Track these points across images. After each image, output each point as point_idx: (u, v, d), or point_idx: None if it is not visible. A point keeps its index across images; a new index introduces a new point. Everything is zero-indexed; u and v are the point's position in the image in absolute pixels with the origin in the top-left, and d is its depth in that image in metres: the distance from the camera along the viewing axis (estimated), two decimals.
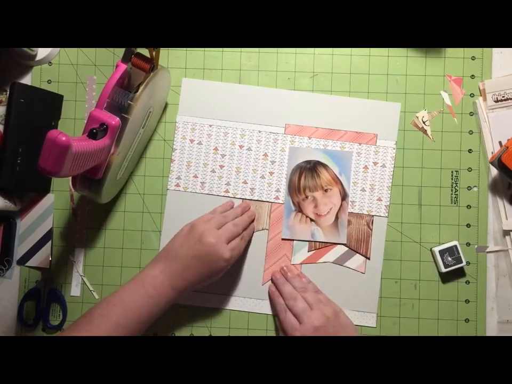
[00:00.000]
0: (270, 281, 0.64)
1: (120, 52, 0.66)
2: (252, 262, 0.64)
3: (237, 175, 0.65)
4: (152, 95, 0.58)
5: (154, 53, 0.55)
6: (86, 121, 0.54)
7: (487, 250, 0.64)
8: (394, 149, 0.65)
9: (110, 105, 0.54)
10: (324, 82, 0.66)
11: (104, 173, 0.56)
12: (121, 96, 0.54)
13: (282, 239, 0.64)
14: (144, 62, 0.55)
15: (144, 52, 0.55)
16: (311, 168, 0.65)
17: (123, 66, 0.55)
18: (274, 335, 0.64)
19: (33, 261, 0.65)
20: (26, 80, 0.66)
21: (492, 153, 0.63)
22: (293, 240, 0.64)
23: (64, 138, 0.46)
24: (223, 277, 0.62)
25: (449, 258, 0.62)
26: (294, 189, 0.65)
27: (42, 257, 0.65)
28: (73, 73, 0.66)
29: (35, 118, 0.63)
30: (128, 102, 0.54)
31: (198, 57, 0.66)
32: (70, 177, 0.60)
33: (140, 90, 0.55)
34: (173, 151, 0.66)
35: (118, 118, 0.54)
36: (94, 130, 0.52)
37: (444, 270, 0.62)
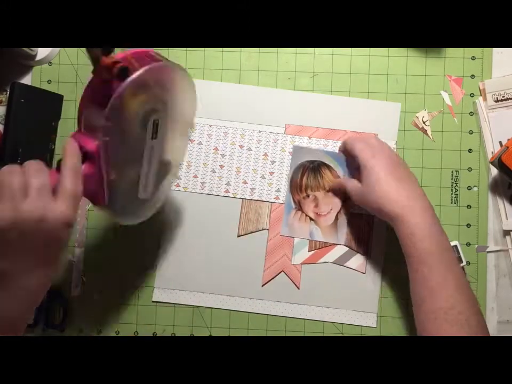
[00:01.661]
0: (270, 281, 0.64)
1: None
2: (252, 262, 0.64)
3: (237, 175, 0.65)
4: (148, 95, 0.48)
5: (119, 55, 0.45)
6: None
7: (487, 250, 0.64)
8: (394, 148, 0.65)
9: (87, 126, 0.46)
10: (323, 82, 0.66)
11: (110, 198, 0.49)
12: (93, 117, 0.45)
13: (281, 235, 0.64)
14: (107, 67, 0.43)
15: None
16: (315, 168, 0.64)
17: (94, 79, 0.46)
18: (275, 335, 0.64)
19: None
20: (26, 80, 0.66)
21: (492, 153, 0.63)
22: (291, 237, 0.64)
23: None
24: (223, 277, 0.62)
25: None
26: (296, 187, 0.65)
27: None
28: (73, 73, 0.66)
29: (35, 118, 0.63)
30: (103, 123, 0.44)
31: (198, 57, 0.66)
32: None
33: (109, 105, 0.43)
34: None
35: (96, 142, 0.44)
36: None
37: None
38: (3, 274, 0.42)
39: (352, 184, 0.59)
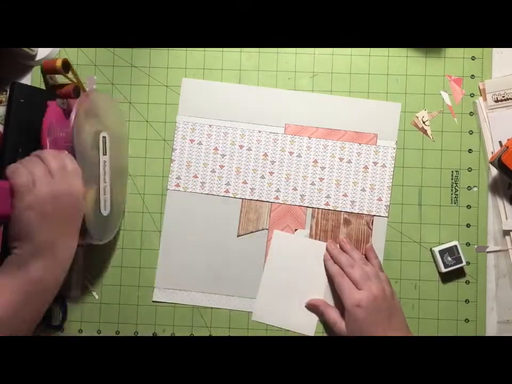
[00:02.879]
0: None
1: (120, 51, 0.66)
2: (252, 262, 0.64)
3: (237, 175, 0.65)
4: (95, 119, 0.58)
5: (70, 76, 0.56)
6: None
7: (487, 250, 0.64)
8: (394, 148, 0.65)
9: (54, 142, 0.55)
10: (323, 82, 0.66)
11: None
12: (58, 130, 0.56)
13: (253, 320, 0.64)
14: (65, 88, 0.56)
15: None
16: None
17: (51, 103, 0.56)
18: (275, 335, 0.64)
19: None
20: (26, 80, 0.66)
21: (492, 153, 0.63)
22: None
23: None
24: (223, 277, 0.62)
25: (449, 258, 0.62)
26: None
27: None
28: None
29: (35, 118, 0.63)
30: (65, 130, 0.55)
31: (198, 57, 0.66)
32: None
33: (72, 115, 0.55)
34: (173, 151, 0.66)
35: (65, 151, 0.54)
36: None
37: (443, 270, 0.62)
38: (50, 244, 0.49)
39: (334, 321, 0.60)
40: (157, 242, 0.65)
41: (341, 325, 0.59)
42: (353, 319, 0.57)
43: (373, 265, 0.61)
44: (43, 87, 0.66)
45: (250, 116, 0.66)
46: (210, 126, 0.66)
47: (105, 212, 0.60)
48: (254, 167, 0.65)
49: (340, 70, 0.66)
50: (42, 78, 0.55)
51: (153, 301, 0.65)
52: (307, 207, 0.65)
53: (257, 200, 0.65)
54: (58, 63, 0.54)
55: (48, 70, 0.55)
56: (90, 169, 0.57)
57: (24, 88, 0.62)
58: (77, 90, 0.56)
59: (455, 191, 0.64)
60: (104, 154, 0.60)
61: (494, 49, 0.65)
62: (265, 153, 0.65)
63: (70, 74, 0.56)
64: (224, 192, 0.65)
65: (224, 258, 0.64)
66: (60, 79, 0.60)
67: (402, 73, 0.65)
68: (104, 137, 0.60)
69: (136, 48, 0.66)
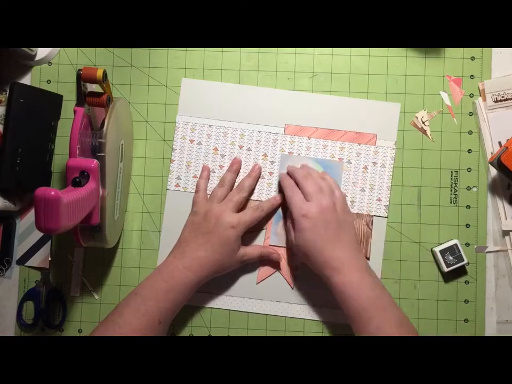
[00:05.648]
0: (263, 280, 0.64)
1: (120, 51, 0.66)
2: (251, 262, 0.64)
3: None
4: (118, 126, 0.58)
5: (105, 85, 0.55)
6: (66, 174, 0.54)
7: (487, 250, 0.64)
8: (393, 149, 0.65)
9: (82, 150, 0.54)
10: (323, 83, 0.66)
11: (101, 216, 0.56)
12: (90, 138, 0.55)
13: (270, 245, 0.64)
14: (98, 98, 0.55)
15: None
16: None
17: (81, 110, 0.55)
18: (274, 335, 0.64)
19: (33, 261, 0.65)
20: (26, 80, 0.66)
21: (491, 153, 0.63)
22: (280, 247, 0.64)
23: (53, 193, 0.46)
24: (222, 277, 0.62)
25: (451, 257, 0.62)
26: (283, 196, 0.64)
27: (42, 257, 0.65)
28: (73, 73, 0.66)
29: (35, 118, 0.63)
30: (99, 140, 0.55)
31: (198, 57, 0.66)
32: (74, 234, 0.57)
33: (105, 125, 0.55)
34: (173, 151, 0.66)
35: (95, 160, 0.54)
36: (77, 179, 0.53)
37: (446, 269, 0.62)
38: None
39: (288, 229, 0.62)
40: (156, 242, 0.65)
41: (293, 235, 0.59)
42: (300, 228, 0.57)
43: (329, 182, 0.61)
44: (43, 87, 0.66)
45: (250, 116, 0.66)
46: (210, 126, 0.66)
47: (116, 217, 0.61)
48: None
49: (339, 70, 0.66)
50: (76, 84, 0.54)
51: None
52: None
53: (256, 200, 0.65)
54: (99, 74, 0.53)
55: (86, 79, 0.53)
56: (111, 176, 0.58)
57: (24, 88, 0.62)
58: (108, 100, 0.56)
59: (455, 191, 0.64)
60: (120, 162, 0.61)
61: (493, 49, 0.65)
62: (265, 153, 0.65)
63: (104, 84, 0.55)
64: None
65: None
66: (89, 87, 0.60)
67: (402, 73, 0.65)
68: (122, 144, 0.60)
69: (136, 48, 0.66)
